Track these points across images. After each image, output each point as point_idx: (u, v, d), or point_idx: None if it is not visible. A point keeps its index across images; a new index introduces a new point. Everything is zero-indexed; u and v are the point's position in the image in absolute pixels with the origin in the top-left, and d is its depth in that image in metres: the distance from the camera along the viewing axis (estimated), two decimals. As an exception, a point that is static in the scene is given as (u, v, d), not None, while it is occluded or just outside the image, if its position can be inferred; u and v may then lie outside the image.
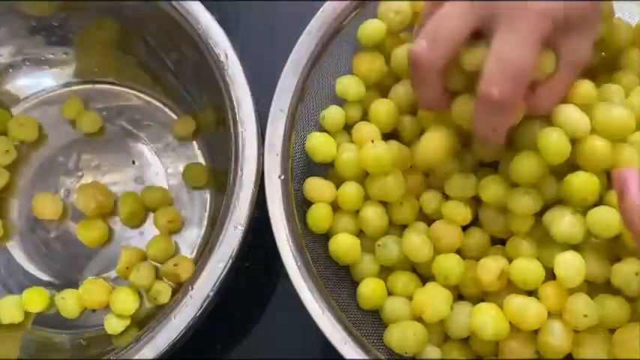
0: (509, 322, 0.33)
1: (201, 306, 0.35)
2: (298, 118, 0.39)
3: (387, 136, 0.39)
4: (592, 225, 0.33)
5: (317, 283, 0.35)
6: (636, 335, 0.32)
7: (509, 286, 0.35)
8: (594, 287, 0.34)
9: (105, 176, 0.49)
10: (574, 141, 0.32)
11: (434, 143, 0.35)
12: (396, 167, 0.37)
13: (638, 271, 0.32)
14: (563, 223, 0.33)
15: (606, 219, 0.32)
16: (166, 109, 0.51)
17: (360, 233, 0.38)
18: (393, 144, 0.38)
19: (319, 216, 0.37)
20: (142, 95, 0.51)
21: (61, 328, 0.44)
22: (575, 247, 0.35)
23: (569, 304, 0.32)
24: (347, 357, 0.33)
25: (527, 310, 0.32)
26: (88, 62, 0.51)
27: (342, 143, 0.39)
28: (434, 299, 0.34)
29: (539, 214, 0.35)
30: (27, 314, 0.44)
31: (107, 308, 0.44)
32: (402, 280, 0.37)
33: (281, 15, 0.53)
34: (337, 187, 0.38)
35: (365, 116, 0.40)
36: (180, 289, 0.37)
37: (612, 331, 0.33)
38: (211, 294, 0.35)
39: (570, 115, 0.32)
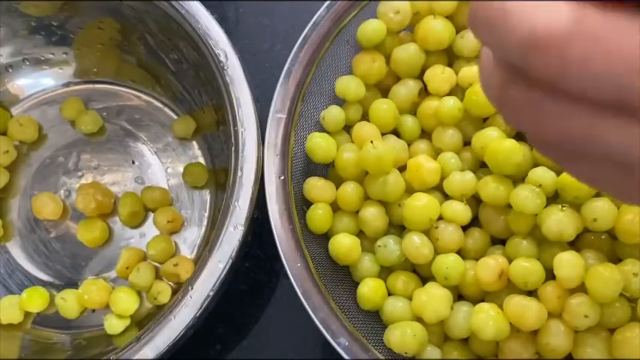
0: (509, 323, 0.33)
1: (201, 306, 0.35)
2: (298, 118, 0.39)
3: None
4: (586, 218, 0.33)
5: (317, 283, 0.35)
6: (636, 335, 0.32)
7: (509, 286, 0.35)
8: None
9: (105, 176, 0.49)
10: None
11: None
12: (395, 167, 0.37)
13: (638, 272, 0.32)
14: (552, 220, 0.33)
15: (600, 212, 0.33)
16: (166, 109, 0.50)
17: (360, 233, 0.38)
18: (393, 140, 0.39)
19: (319, 216, 0.37)
20: (142, 95, 0.51)
21: (61, 328, 0.44)
22: (576, 247, 0.35)
23: (569, 304, 0.32)
24: (347, 357, 0.33)
25: (527, 310, 0.32)
26: (88, 62, 0.51)
27: (342, 143, 0.39)
28: (434, 299, 0.34)
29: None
30: (27, 314, 0.44)
31: (107, 308, 0.44)
32: (402, 280, 0.37)
33: (281, 15, 0.53)
34: (337, 187, 0.38)
35: (365, 116, 0.40)
36: (180, 289, 0.37)
37: (612, 331, 0.33)
38: (211, 294, 0.35)
39: None
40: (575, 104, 0.15)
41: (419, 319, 0.35)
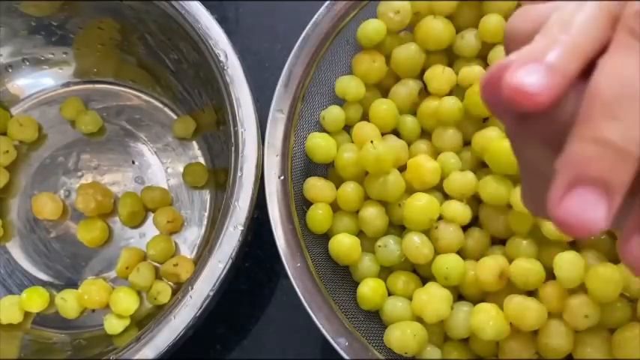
0: (510, 323, 0.33)
1: (201, 306, 0.35)
2: (298, 118, 0.39)
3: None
4: None
5: (317, 283, 0.35)
6: (636, 335, 0.32)
7: (509, 286, 0.35)
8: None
9: (105, 176, 0.49)
10: None
11: None
12: (395, 167, 0.37)
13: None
14: None
15: None
16: (166, 109, 0.50)
17: (360, 233, 0.38)
18: (393, 140, 0.39)
19: (319, 216, 0.37)
20: (142, 95, 0.51)
21: (61, 328, 0.44)
22: (575, 247, 0.35)
23: (569, 304, 0.32)
24: (347, 357, 0.33)
25: (527, 310, 0.32)
26: (87, 62, 0.51)
27: (342, 143, 0.39)
28: (434, 299, 0.34)
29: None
30: (27, 314, 0.44)
31: (107, 308, 0.44)
32: (402, 280, 0.37)
33: (281, 15, 0.53)
34: (337, 187, 0.38)
35: (365, 116, 0.40)
36: (180, 289, 0.37)
37: (612, 331, 0.33)
38: (211, 294, 0.35)
39: None
40: None
41: (419, 319, 0.35)
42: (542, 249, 0.35)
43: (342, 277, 0.38)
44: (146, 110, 0.51)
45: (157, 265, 0.45)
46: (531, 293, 0.34)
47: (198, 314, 0.35)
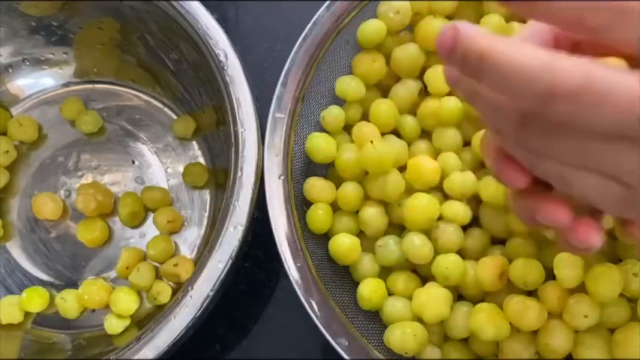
0: (510, 323, 0.33)
1: (201, 306, 0.35)
2: (298, 118, 0.39)
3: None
4: None
5: (317, 283, 0.35)
6: (636, 335, 0.32)
7: (509, 286, 0.35)
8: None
9: (105, 176, 0.49)
10: None
11: None
12: (395, 167, 0.37)
13: (638, 272, 0.32)
14: None
15: None
16: (166, 109, 0.51)
17: (360, 233, 0.38)
18: (393, 140, 0.38)
19: (319, 216, 0.37)
20: (142, 95, 0.51)
21: (61, 328, 0.44)
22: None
23: (569, 304, 0.32)
24: (347, 357, 0.33)
25: (527, 310, 0.32)
26: (87, 62, 0.51)
27: (342, 143, 0.39)
28: (434, 299, 0.34)
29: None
30: (27, 314, 0.44)
31: (107, 308, 0.44)
32: (402, 280, 0.37)
33: (281, 15, 0.53)
34: (337, 187, 0.38)
35: (365, 116, 0.40)
36: (180, 289, 0.37)
37: (612, 331, 0.33)
38: (211, 294, 0.35)
39: None
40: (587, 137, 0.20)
41: (419, 319, 0.35)
42: (542, 249, 0.35)
43: (342, 277, 0.38)
44: (146, 110, 0.51)
45: (157, 265, 0.45)
46: (531, 293, 0.34)
47: (198, 314, 0.35)
